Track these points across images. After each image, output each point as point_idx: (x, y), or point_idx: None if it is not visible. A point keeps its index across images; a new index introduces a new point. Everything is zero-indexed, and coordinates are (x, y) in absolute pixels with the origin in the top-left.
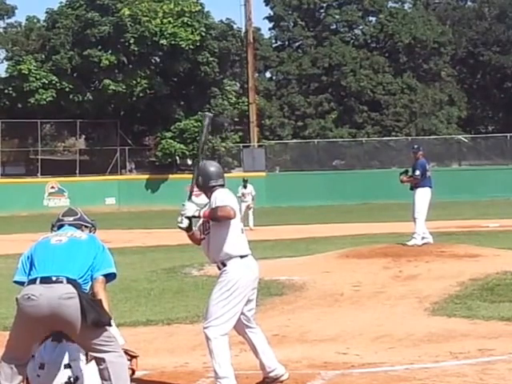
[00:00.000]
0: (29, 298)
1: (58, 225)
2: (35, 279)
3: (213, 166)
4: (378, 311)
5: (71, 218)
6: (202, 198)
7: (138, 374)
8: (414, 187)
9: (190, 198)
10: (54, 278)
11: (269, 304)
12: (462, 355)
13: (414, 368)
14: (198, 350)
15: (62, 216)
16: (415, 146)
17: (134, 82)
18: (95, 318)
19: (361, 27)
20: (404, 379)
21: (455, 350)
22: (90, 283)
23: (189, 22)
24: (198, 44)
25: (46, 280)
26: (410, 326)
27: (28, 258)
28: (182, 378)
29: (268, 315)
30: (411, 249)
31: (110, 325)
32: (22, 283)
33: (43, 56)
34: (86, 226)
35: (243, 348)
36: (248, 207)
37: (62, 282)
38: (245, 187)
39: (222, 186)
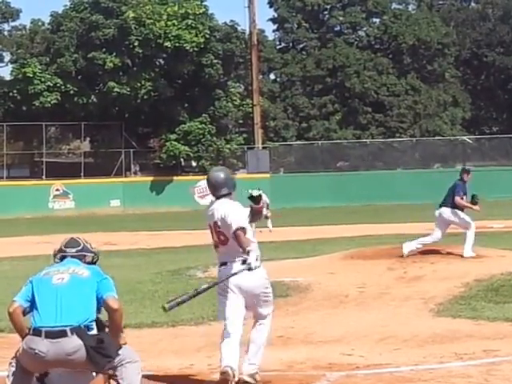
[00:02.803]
0: (36, 353)
1: (61, 256)
2: (40, 331)
3: (210, 178)
4: (383, 312)
5: (74, 250)
6: (206, 199)
7: (143, 376)
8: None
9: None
10: (58, 330)
11: (273, 305)
12: (467, 356)
13: (419, 369)
14: (203, 352)
15: (65, 247)
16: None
17: (139, 84)
18: (103, 363)
19: (365, 29)
20: (409, 380)
21: (460, 350)
22: (96, 314)
23: (193, 25)
24: (202, 46)
25: (50, 334)
26: (414, 326)
27: (30, 289)
28: (187, 380)
29: (272, 316)
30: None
31: (117, 355)
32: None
33: (48, 59)
34: (89, 256)
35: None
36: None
37: (66, 335)
38: None
39: (226, 195)
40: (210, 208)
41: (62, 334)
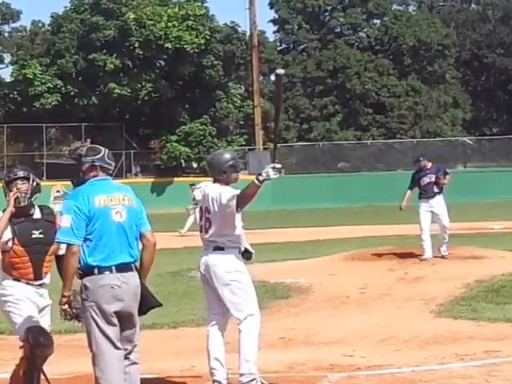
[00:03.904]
0: (112, 287)
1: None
2: (110, 268)
3: (209, 158)
4: (384, 313)
5: (98, 156)
6: (198, 194)
7: (144, 378)
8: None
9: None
10: (126, 266)
11: (275, 307)
12: (468, 357)
13: (420, 370)
14: (204, 353)
15: (88, 155)
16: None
17: (139, 85)
18: (150, 305)
19: (365, 30)
20: (410, 381)
21: (461, 351)
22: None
23: (193, 26)
24: (202, 47)
25: (120, 268)
26: (415, 327)
27: (85, 225)
28: (188, 382)
29: (274, 318)
30: (416, 251)
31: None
32: (68, 244)
33: (48, 60)
34: None
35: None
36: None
37: (132, 270)
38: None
39: (219, 180)
40: (204, 191)
41: (129, 268)
